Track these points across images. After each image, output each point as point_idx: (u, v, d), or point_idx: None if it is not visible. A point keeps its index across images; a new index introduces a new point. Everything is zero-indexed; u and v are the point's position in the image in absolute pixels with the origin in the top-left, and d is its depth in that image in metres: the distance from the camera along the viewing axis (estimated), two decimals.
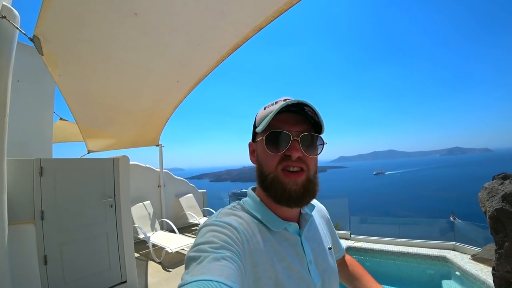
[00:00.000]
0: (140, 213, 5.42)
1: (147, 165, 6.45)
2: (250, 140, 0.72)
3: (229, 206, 0.69)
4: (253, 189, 0.74)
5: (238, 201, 0.71)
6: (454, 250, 4.19)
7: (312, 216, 0.75)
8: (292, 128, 0.61)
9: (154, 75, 2.33)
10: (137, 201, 5.50)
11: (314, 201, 0.83)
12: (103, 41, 1.92)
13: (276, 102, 0.65)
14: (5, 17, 1.82)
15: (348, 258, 1.00)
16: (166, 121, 3.88)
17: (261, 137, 0.63)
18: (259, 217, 0.65)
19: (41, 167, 2.79)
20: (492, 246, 3.66)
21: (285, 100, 0.62)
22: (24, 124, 4.02)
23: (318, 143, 0.64)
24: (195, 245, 0.51)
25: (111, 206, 3.29)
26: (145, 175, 6.28)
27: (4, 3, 1.85)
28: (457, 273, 3.72)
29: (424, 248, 4.34)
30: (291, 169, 0.61)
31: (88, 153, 4.85)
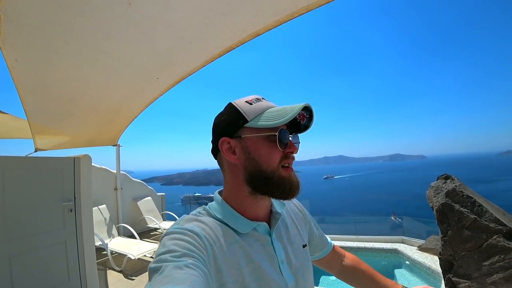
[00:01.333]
0: (96, 218, 4.96)
1: (103, 166, 5.96)
2: (224, 137, 0.65)
3: (193, 212, 0.66)
4: (219, 193, 0.72)
5: (204, 206, 0.69)
6: (403, 243, 4.73)
7: (282, 214, 0.74)
8: (282, 127, 0.64)
9: (132, 69, 2.19)
10: (92, 205, 5.05)
11: None
12: (82, 26, 1.75)
13: (258, 99, 0.66)
14: None
15: (351, 257, 0.99)
16: (132, 120, 3.66)
17: (260, 133, 0.62)
18: (225, 220, 0.64)
19: None
20: (434, 238, 4.22)
21: (259, 98, 0.67)
22: None
23: (298, 141, 0.70)
24: (156, 255, 0.50)
25: (71, 210, 2.97)
26: (100, 177, 5.78)
27: None
28: (407, 262, 4.21)
29: (378, 243, 4.81)
30: (286, 165, 0.64)
31: (36, 151, 4.30)
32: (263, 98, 0.67)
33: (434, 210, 3.16)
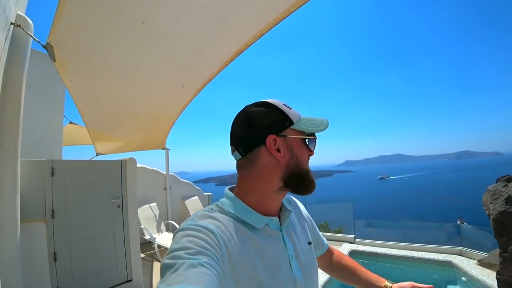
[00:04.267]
0: (147, 214, 5.50)
1: (154, 168, 6.56)
2: (271, 134, 0.66)
3: (206, 208, 0.67)
4: (231, 189, 0.73)
5: (216, 202, 0.71)
6: (461, 255, 4.14)
7: (291, 211, 0.75)
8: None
9: (160, 80, 2.42)
10: (144, 203, 5.60)
11: (290, 196, 0.88)
12: (111, 47, 2.02)
13: (289, 107, 0.71)
14: (19, 25, 1.93)
15: (337, 253, 1.02)
16: (172, 125, 3.98)
17: (302, 136, 0.69)
18: (240, 216, 0.65)
19: (52, 168, 2.90)
20: (498, 252, 3.62)
21: (286, 104, 0.72)
22: (35, 128, 4.18)
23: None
24: (170, 251, 0.50)
25: (119, 206, 3.38)
26: (151, 177, 6.38)
27: (18, 12, 1.97)
28: (463, 278, 3.68)
29: (430, 253, 4.30)
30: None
31: (97, 155, 4.98)
32: (284, 104, 0.74)
33: (491, 218, 2.72)
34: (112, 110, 3.19)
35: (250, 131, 0.67)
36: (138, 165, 3.83)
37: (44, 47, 2.05)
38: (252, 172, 0.67)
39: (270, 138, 0.65)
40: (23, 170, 2.48)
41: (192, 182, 7.73)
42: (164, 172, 6.72)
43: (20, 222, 2.05)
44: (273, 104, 0.68)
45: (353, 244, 4.92)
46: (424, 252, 4.34)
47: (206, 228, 0.56)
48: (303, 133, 0.69)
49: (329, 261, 0.99)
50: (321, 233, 0.98)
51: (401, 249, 4.57)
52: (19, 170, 2.07)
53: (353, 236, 5.15)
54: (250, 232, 0.63)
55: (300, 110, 0.74)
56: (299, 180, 0.67)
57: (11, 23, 1.88)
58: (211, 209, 0.67)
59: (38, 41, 2.09)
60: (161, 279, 0.45)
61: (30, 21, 2.04)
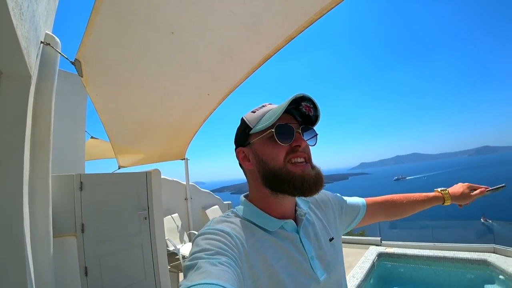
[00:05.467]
0: (169, 225, 5.52)
1: (174, 179, 6.61)
2: (239, 147, 0.71)
3: (222, 215, 0.69)
4: (245, 196, 0.74)
5: (231, 209, 0.72)
6: (495, 253, 3.95)
7: (307, 211, 0.75)
8: (290, 122, 0.65)
9: (187, 89, 2.45)
10: (166, 214, 5.62)
11: None
12: (140, 59, 2.07)
13: (263, 106, 0.70)
14: (49, 44, 2.01)
15: (376, 201, 0.99)
16: (194, 134, 4.01)
17: (262, 135, 0.65)
18: (253, 220, 0.66)
19: (81, 182, 2.97)
20: None
21: (264, 105, 0.71)
22: (59, 144, 4.29)
23: (313, 135, 0.70)
24: (190, 254, 0.52)
25: (145, 218, 3.41)
26: (172, 188, 6.42)
27: (47, 31, 2.05)
28: (501, 277, 3.50)
29: (462, 252, 4.12)
30: (298, 160, 0.63)
31: (119, 168, 5.06)
32: (269, 104, 0.71)
33: None
34: (136, 122, 3.24)
35: (235, 150, 0.74)
36: None
37: (72, 63, 2.11)
38: (248, 181, 0.73)
39: (238, 152, 0.71)
40: (53, 185, 2.54)
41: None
42: (184, 183, 6.76)
43: (53, 237, 2.09)
44: (242, 118, 0.72)
45: (380, 247, 4.78)
46: (455, 252, 4.16)
47: (222, 231, 0.58)
48: (262, 132, 0.65)
49: (376, 211, 0.97)
50: (352, 198, 0.96)
51: (431, 249, 4.41)
52: (50, 185, 2.12)
53: (379, 238, 5.01)
54: (268, 235, 0.64)
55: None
56: (278, 182, 0.63)
57: (41, 42, 1.96)
58: (227, 215, 0.69)
59: (67, 58, 2.16)
60: (184, 279, 0.47)
61: (58, 40, 2.12)
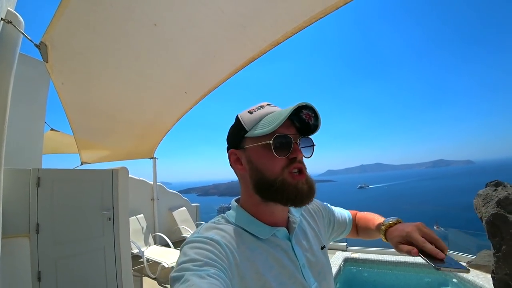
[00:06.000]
0: (134, 226, 5.25)
1: (141, 178, 6.32)
2: (231, 148, 0.68)
3: (212, 220, 0.67)
4: (237, 201, 0.71)
5: (222, 214, 0.70)
6: None
7: (300, 218, 0.74)
8: (288, 131, 0.62)
9: (163, 86, 2.34)
10: (131, 215, 5.33)
11: None
12: (115, 50, 1.93)
13: (261, 106, 0.66)
14: (10, 22, 1.81)
15: (356, 217, 0.96)
16: (166, 133, 3.86)
17: (259, 142, 0.61)
18: (245, 227, 0.64)
19: (39, 178, 2.70)
20: (486, 253, 3.78)
21: (263, 105, 0.66)
22: (14, 134, 3.89)
23: (309, 145, 0.68)
24: (178, 264, 0.50)
25: (109, 219, 3.18)
26: (138, 188, 6.14)
27: (9, 8, 1.85)
28: (454, 280, 3.81)
29: (420, 257, 4.40)
30: (295, 171, 0.61)
31: (81, 164, 4.72)
32: (268, 104, 0.67)
33: (484, 221, 2.85)
34: (105, 117, 3.03)
35: (227, 149, 0.71)
36: None
37: (37, 46, 1.92)
38: (240, 185, 0.70)
39: (230, 153, 0.68)
40: (5, 180, 2.28)
41: None
42: (151, 182, 6.49)
43: (1, 238, 1.87)
44: (237, 116, 0.68)
45: (346, 252, 4.94)
46: (414, 257, 4.43)
47: (212, 239, 0.55)
48: (260, 138, 0.61)
49: (357, 229, 0.95)
50: (338, 210, 0.95)
51: (393, 254, 4.65)
52: (1, 180, 1.90)
53: (345, 244, 5.18)
54: (259, 242, 0.63)
55: None
56: (269, 192, 0.61)
57: (1, 19, 1.76)
58: (217, 220, 0.66)
59: (31, 40, 1.97)
60: None
61: (21, 19, 1.92)
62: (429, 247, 0.58)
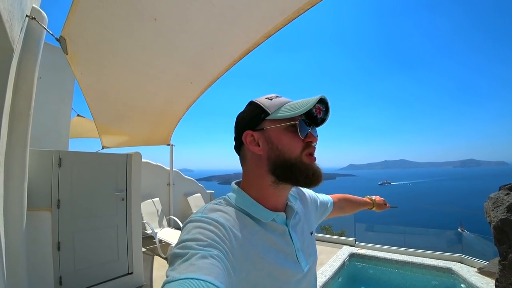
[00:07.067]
0: (149, 209, 5.56)
1: (158, 164, 6.61)
2: (248, 130, 0.69)
3: (214, 201, 0.68)
4: (237, 183, 0.73)
5: (223, 196, 0.71)
6: (461, 263, 4.12)
7: (295, 206, 0.77)
8: (301, 118, 0.67)
9: (169, 76, 2.45)
10: (147, 198, 5.65)
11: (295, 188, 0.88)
12: (123, 42, 2.07)
13: (277, 96, 0.70)
14: (34, 18, 1.98)
15: (336, 199, 1.14)
16: (178, 121, 4.02)
17: (281, 124, 0.65)
18: (247, 210, 0.65)
19: (60, 159, 2.96)
20: (498, 260, 3.61)
21: (278, 95, 0.71)
22: (43, 119, 4.25)
23: (316, 135, 0.71)
24: (180, 241, 0.51)
25: (122, 199, 3.43)
26: (155, 173, 6.43)
27: (34, 5, 2.02)
28: (462, 285, 3.67)
29: (429, 259, 4.29)
30: (312, 153, 0.66)
31: (103, 148, 5.05)
32: (277, 96, 0.72)
33: (492, 226, 2.73)
34: (120, 104, 3.23)
35: (236, 132, 0.72)
36: (143, 160, 3.87)
37: (58, 40, 2.10)
38: (246, 168, 0.71)
39: (246, 134, 0.68)
40: (31, 160, 2.53)
41: (195, 180, 7.78)
42: (168, 168, 6.77)
43: (27, 210, 2.09)
44: (254, 101, 0.70)
45: (353, 247, 4.92)
46: (424, 258, 4.32)
47: (216, 221, 0.56)
48: (283, 121, 0.65)
49: (335, 209, 1.10)
50: (322, 195, 1.07)
51: (401, 254, 4.56)
52: (27, 160, 2.12)
53: (353, 239, 5.15)
54: (258, 226, 0.65)
55: None
56: (288, 171, 0.64)
57: (27, 16, 1.93)
58: (220, 202, 0.68)
59: (52, 34, 2.14)
60: (170, 267, 0.46)
61: (45, 15, 2.09)
62: None
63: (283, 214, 0.71)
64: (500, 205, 2.66)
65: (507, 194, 2.71)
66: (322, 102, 0.66)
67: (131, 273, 3.45)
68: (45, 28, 2.09)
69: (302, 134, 0.65)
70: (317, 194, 1.02)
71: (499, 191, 2.87)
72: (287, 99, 0.69)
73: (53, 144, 4.15)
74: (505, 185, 2.87)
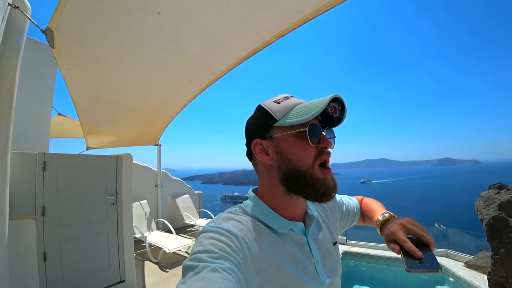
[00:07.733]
0: (137, 212, 5.36)
1: (145, 164, 6.40)
2: (257, 139, 0.65)
3: (229, 210, 0.65)
4: (254, 191, 0.70)
5: (239, 204, 0.68)
6: (447, 257, 4.29)
7: (315, 215, 0.73)
8: (315, 122, 0.61)
9: (167, 74, 2.34)
10: (134, 200, 5.44)
11: None
12: (120, 37, 1.93)
13: (286, 97, 0.64)
14: (17, 7, 1.82)
15: (362, 203, 0.97)
16: (170, 121, 3.88)
17: (291, 131, 0.60)
18: (263, 219, 0.63)
19: (44, 162, 2.76)
20: (484, 254, 3.78)
21: (287, 96, 0.65)
22: (21, 117, 3.95)
23: (332, 136, 0.67)
24: (192, 253, 0.50)
25: (113, 204, 3.25)
26: (142, 174, 6.22)
27: None
28: (451, 279, 3.82)
29: None
30: (323, 163, 0.61)
31: (87, 149, 4.80)
32: (291, 96, 0.66)
33: (484, 223, 2.84)
34: (110, 103, 3.06)
35: (247, 139, 0.68)
36: None
37: (44, 32, 1.93)
38: (259, 176, 0.68)
39: (255, 143, 0.65)
40: (12, 163, 2.33)
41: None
42: (155, 169, 6.57)
43: (9, 219, 1.92)
44: (261, 106, 0.65)
45: (345, 246, 4.99)
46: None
47: (229, 231, 0.55)
48: (292, 127, 0.60)
49: (363, 217, 0.95)
50: (347, 200, 0.95)
51: (386, 250, 4.68)
52: (9, 163, 1.93)
53: (344, 237, 5.22)
54: (275, 236, 0.61)
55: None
56: (298, 184, 0.60)
57: (9, 4, 1.77)
58: (235, 210, 0.65)
59: (37, 25, 1.97)
60: (182, 279, 0.45)
61: (28, 4, 1.93)
62: (409, 246, 0.58)
63: (301, 223, 0.67)
64: (491, 203, 2.77)
65: (498, 192, 2.83)
66: (336, 100, 0.60)
67: (123, 281, 3.29)
68: (29, 18, 1.92)
69: (314, 141, 0.59)
70: (342, 196, 0.95)
71: (489, 189, 3.00)
72: (297, 101, 0.64)
73: (33, 145, 3.87)
74: (494, 184, 3.00)
